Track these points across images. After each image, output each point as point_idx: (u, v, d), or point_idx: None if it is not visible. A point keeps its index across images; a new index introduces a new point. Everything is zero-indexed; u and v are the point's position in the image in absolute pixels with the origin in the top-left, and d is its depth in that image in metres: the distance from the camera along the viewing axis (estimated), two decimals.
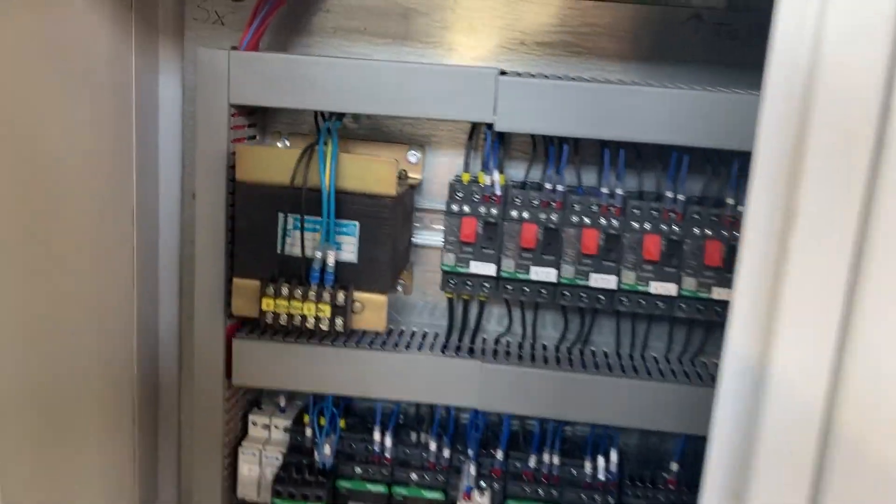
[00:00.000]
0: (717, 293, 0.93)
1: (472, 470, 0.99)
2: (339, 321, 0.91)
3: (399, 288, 1.05)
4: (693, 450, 1.02)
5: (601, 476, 1.00)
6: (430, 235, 1.06)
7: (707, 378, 0.98)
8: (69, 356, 0.87)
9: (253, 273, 0.93)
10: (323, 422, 1.02)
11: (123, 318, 1.01)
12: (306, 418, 1.04)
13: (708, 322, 1.00)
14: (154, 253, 1.08)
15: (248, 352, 0.98)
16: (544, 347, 1.04)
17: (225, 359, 0.99)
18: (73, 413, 0.88)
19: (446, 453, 1.01)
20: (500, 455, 1.00)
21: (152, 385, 1.10)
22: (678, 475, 1.01)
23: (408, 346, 1.00)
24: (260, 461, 1.04)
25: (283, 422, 1.06)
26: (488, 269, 0.95)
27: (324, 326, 0.91)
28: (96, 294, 0.93)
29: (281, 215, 0.92)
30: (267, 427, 1.07)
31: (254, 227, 0.93)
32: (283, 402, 1.08)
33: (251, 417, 1.07)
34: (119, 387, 1.01)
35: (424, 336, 1.05)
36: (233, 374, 0.99)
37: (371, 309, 0.93)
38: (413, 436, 1.04)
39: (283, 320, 0.91)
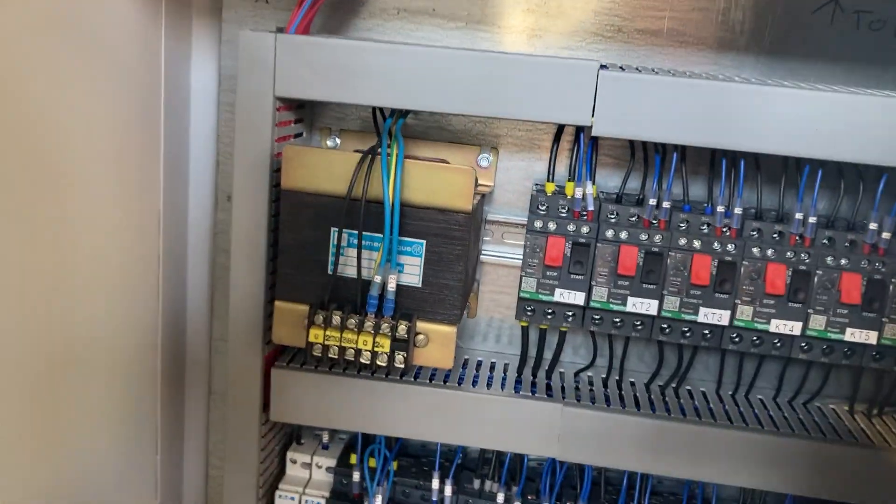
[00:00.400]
0: (852, 334, 0.78)
1: None
2: (399, 357, 0.77)
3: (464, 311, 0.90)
4: None
5: None
6: (499, 249, 0.92)
7: (827, 428, 0.83)
8: (86, 385, 0.74)
9: (299, 296, 0.79)
10: (373, 463, 0.88)
11: (147, 334, 0.87)
12: (353, 458, 0.90)
13: (830, 364, 0.85)
14: (182, 263, 0.94)
15: (290, 384, 0.85)
16: (633, 384, 0.90)
17: (262, 390, 0.86)
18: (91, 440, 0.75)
19: None
20: None
21: (177, 415, 0.97)
22: None
23: (475, 383, 0.86)
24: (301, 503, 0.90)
25: (327, 461, 0.93)
26: (576, 297, 0.80)
27: (381, 362, 0.77)
28: (116, 308, 0.80)
29: (334, 231, 0.77)
30: (308, 466, 0.93)
31: (301, 243, 0.79)
32: (326, 438, 0.95)
33: (290, 455, 0.93)
34: (141, 415, 0.89)
35: (493, 367, 0.91)
36: (271, 408, 0.86)
37: (437, 342, 0.79)
38: (476, 483, 0.90)
39: (333, 353, 0.77)
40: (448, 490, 0.88)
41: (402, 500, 0.90)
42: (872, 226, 0.77)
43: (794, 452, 0.81)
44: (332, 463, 0.92)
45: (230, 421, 0.85)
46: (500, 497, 0.88)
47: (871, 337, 0.77)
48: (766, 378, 0.91)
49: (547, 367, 0.90)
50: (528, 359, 0.89)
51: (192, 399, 0.99)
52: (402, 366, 0.77)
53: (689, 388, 0.91)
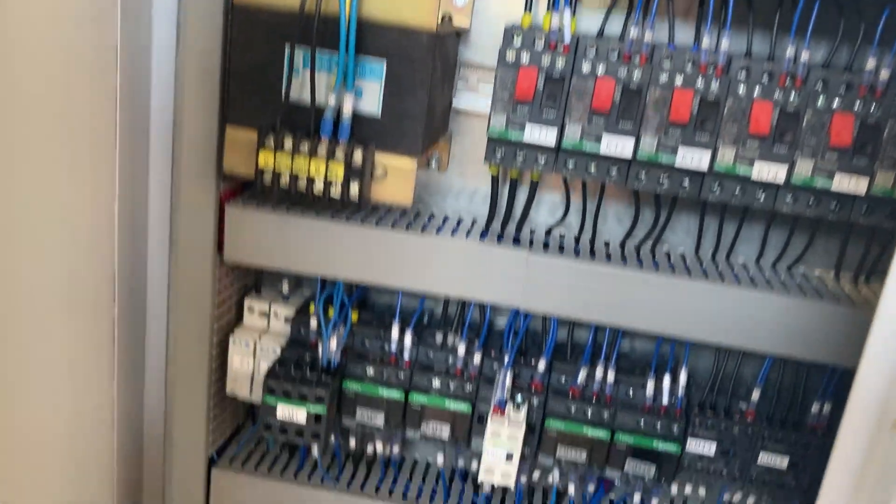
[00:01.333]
0: (840, 182, 0.72)
1: (508, 379, 0.81)
2: (354, 187, 0.72)
3: (433, 162, 0.85)
4: (779, 377, 0.83)
5: (665, 399, 0.83)
6: (474, 99, 0.86)
7: (810, 291, 0.79)
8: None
9: (251, 121, 0.74)
10: (331, 312, 0.85)
11: (103, 177, 0.83)
12: (312, 307, 0.87)
13: (816, 222, 0.80)
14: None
15: (245, 222, 0.81)
16: (607, 245, 0.85)
17: (216, 229, 0.82)
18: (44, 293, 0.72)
19: (477, 359, 0.84)
20: (542, 366, 0.83)
21: (130, 262, 0.93)
22: (758, 406, 0.83)
23: (439, 231, 0.82)
24: (254, 353, 0.87)
25: (286, 311, 0.89)
26: (548, 135, 0.75)
27: (335, 193, 0.72)
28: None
29: (287, 49, 0.72)
30: (266, 315, 0.90)
31: (254, 64, 0.73)
32: (286, 288, 0.91)
33: (247, 302, 0.90)
34: (96, 266, 0.85)
35: (460, 222, 0.86)
36: (224, 248, 0.82)
37: (395, 176, 0.74)
38: (438, 337, 0.87)
39: (284, 182, 0.73)
40: (408, 340, 0.85)
41: (360, 349, 0.86)
42: (870, 64, 0.70)
43: (774, 309, 0.77)
44: (291, 313, 0.89)
45: (182, 260, 0.81)
46: (461, 349, 0.84)
47: (860, 185, 0.72)
48: (747, 242, 0.86)
49: (517, 222, 0.85)
50: (497, 212, 0.85)
51: (149, 248, 0.95)
52: (357, 198, 0.72)
53: (666, 250, 0.86)
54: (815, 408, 0.83)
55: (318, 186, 0.72)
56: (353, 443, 0.93)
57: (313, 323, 0.86)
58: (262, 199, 0.81)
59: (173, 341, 0.84)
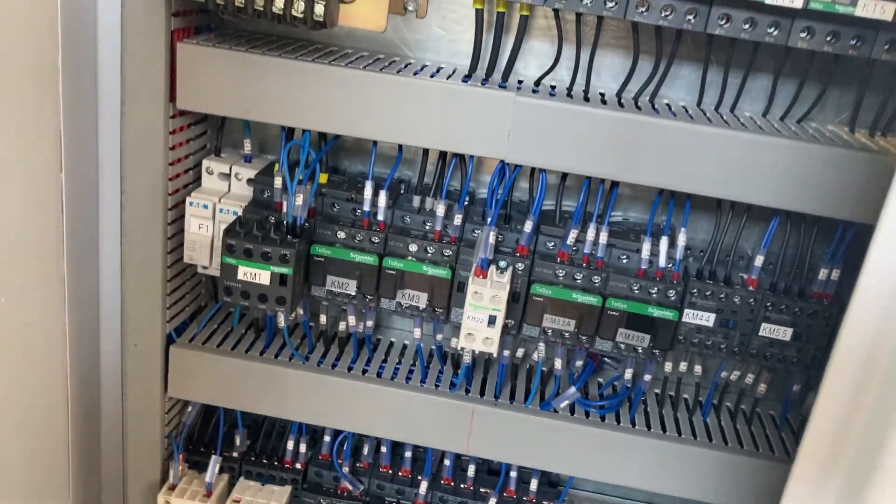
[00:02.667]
0: (865, 7, 0.65)
1: (491, 238, 0.74)
2: (318, 7, 0.64)
3: (410, 4, 0.76)
4: (784, 242, 0.77)
5: (661, 262, 0.76)
6: None
7: (823, 139, 0.72)
8: None
9: None
10: (285, 173, 0.77)
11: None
12: (277, 168, 0.79)
13: (829, 73, 0.73)
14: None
15: (200, 64, 0.72)
16: (602, 95, 0.77)
17: (168, 74, 0.73)
18: None
19: (458, 220, 0.77)
20: (528, 226, 0.76)
21: (76, 126, 0.84)
22: (761, 273, 0.77)
23: (416, 74, 0.74)
24: (214, 217, 0.79)
25: (248, 172, 0.81)
26: None
27: (297, 12, 0.64)
28: None
29: None
30: (226, 177, 0.82)
31: None
32: (248, 148, 0.83)
33: (206, 164, 0.82)
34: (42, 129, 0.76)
35: (440, 69, 0.78)
36: (177, 94, 0.74)
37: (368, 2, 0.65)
38: (416, 201, 0.79)
39: (240, 1, 0.64)
40: (382, 201, 0.77)
41: (330, 212, 0.79)
42: None
43: (784, 156, 0.70)
44: (253, 174, 0.80)
45: (129, 110, 0.73)
46: (441, 210, 0.77)
47: (888, 10, 0.64)
48: (753, 97, 0.79)
49: (503, 71, 0.77)
50: (481, 60, 0.76)
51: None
52: (322, 18, 0.64)
53: (666, 101, 0.79)
54: (822, 274, 0.76)
55: (279, 5, 0.64)
56: (323, 320, 0.86)
57: (278, 182, 0.78)
58: (219, 38, 0.72)
59: (126, 205, 0.76)
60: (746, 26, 0.67)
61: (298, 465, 0.90)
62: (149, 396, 0.84)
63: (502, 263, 0.75)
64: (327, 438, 0.90)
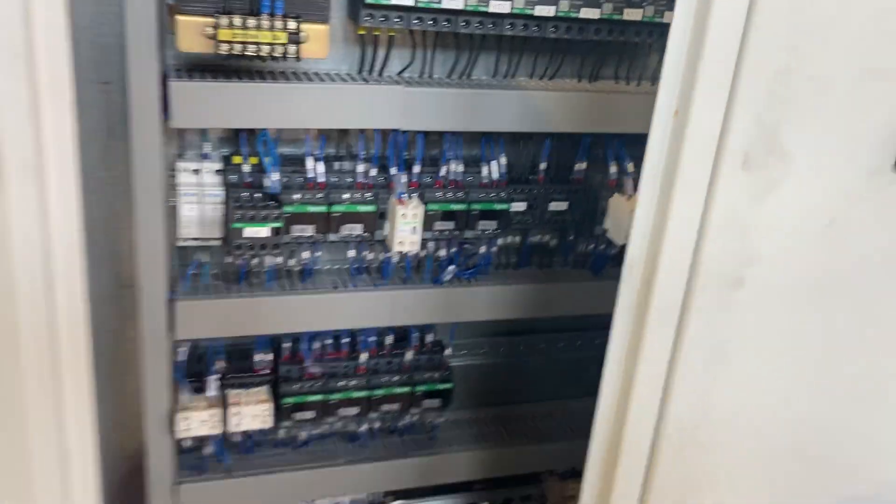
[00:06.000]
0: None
1: (404, 179, 1.16)
2: (291, 48, 0.99)
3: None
4: (556, 151, 1.29)
5: (495, 176, 1.24)
6: None
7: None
8: None
9: (197, 11, 0.97)
10: (253, 160, 1.11)
11: None
12: (236, 159, 1.12)
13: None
14: None
15: (191, 93, 1.03)
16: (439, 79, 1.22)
17: (161, 96, 1.02)
18: None
19: (373, 173, 1.17)
20: (417, 169, 1.19)
21: None
22: (546, 172, 1.29)
23: (330, 79, 1.11)
24: (200, 200, 1.11)
25: (213, 165, 1.13)
26: None
27: (278, 54, 0.99)
28: None
29: None
30: (197, 172, 1.13)
31: None
32: (207, 149, 1.14)
33: (179, 165, 1.11)
34: None
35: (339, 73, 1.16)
36: (171, 115, 1.03)
37: (316, 37, 1.02)
38: (346, 164, 1.18)
39: (237, 50, 0.97)
40: (321, 169, 1.15)
41: (287, 183, 1.14)
42: None
43: (545, 102, 1.21)
44: (219, 166, 1.12)
45: (138, 130, 1.01)
46: (361, 168, 1.16)
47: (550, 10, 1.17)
48: (523, 64, 1.29)
49: (380, 69, 1.17)
50: (364, 67, 1.16)
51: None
52: (296, 55, 1.00)
53: (475, 78, 1.26)
54: (577, 168, 1.31)
55: (266, 50, 0.98)
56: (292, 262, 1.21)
57: (246, 168, 1.11)
58: (203, 75, 1.03)
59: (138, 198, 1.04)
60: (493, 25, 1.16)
61: (267, 371, 1.26)
62: (159, 341, 1.14)
63: (407, 195, 1.18)
64: (286, 344, 1.26)
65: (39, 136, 0.68)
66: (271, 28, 0.98)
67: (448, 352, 1.35)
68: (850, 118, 0.87)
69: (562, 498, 1.52)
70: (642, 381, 0.96)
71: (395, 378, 1.30)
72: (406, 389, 1.30)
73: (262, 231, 1.09)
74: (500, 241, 1.31)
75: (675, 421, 0.99)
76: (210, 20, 0.96)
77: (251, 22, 0.97)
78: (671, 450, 1.00)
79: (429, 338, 1.34)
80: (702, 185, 0.87)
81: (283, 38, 0.98)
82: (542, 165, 1.29)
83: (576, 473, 1.24)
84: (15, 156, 0.66)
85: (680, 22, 0.81)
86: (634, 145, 1.16)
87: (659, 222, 0.89)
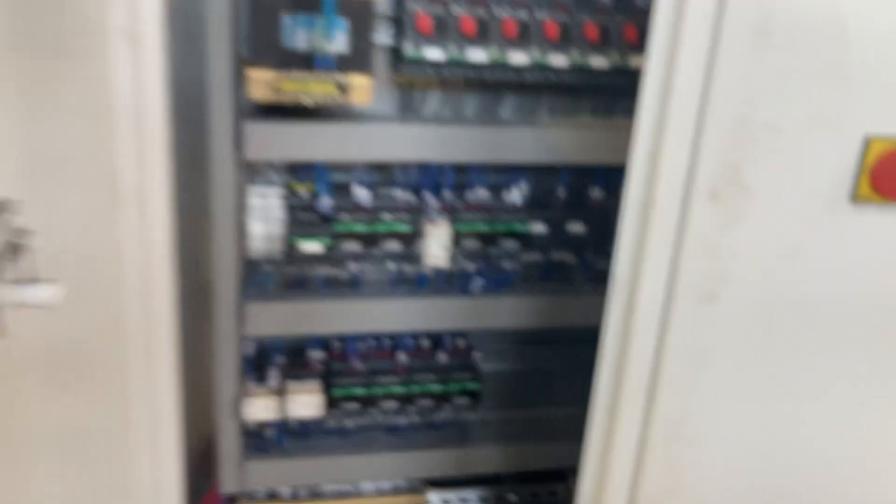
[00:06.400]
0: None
1: (435, 204, 1.36)
2: (342, 98, 1.20)
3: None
4: (574, 179, 1.46)
5: (517, 201, 1.42)
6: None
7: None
8: None
9: (266, 64, 1.19)
10: (310, 186, 1.32)
11: None
12: (296, 185, 1.34)
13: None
14: None
15: (260, 132, 1.24)
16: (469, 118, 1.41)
17: (234, 135, 1.24)
18: None
19: (410, 198, 1.37)
20: (447, 195, 1.38)
21: None
22: (565, 198, 1.47)
23: (375, 118, 1.32)
24: (266, 220, 1.32)
25: (277, 191, 1.34)
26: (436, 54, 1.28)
27: (332, 103, 1.20)
28: None
29: (285, 13, 1.17)
30: (264, 196, 1.34)
31: (267, 25, 1.17)
32: (272, 177, 1.36)
33: (249, 189, 1.34)
34: None
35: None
36: (246, 149, 1.25)
37: (360, 88, 1.23)
38: (387, 190, 1.39)
39: (297, 98, 1.19)
40: (365, 196, 1.35)
41: (337, 206, 1.35)
42: None
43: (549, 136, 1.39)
44: (283, 192, 1.34)
45: (216, 162, 1.23)
46: (399, 194, 1.37)
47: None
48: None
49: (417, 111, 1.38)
50: (405, 109, 1.37)
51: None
52: (343, 103, 1.21)
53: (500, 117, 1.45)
54: (592, 194, 1.48)
55: (320, 99, 1.20)
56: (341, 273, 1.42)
57: (304, 193, 1.33)
58: (273, 116, 1.25)
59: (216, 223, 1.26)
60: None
61: (319, 367, 1.46)
62: (230, 337, 1.35)
63: (438, 217, 1.37)
64: (336, 343, 1.47)
65: (144, 176, 0.90)
66: (324, 80, 1.19)
67: (477, 356, 1.53)
68: (804, 158, 1.02)
69: None
70: (630, 384, 1.12)
71: (430, 376, 1.49)
72: (439, 387, 1.49)
73: (316, 246, 1.30)
74: (522, 259, 1.48)
75: (660, 418, 1.15)
76: (275, 74, 1.18)
77: (308, 76, 1.18)
78: (659, 448, 1.16)
79: (460, 342, 1.52)
80: (674, 214, 1.03)
81: (333, 89, 1.19)
82: (560, 192, 1.46)
83: None
84: (128, 190, 0.89)
85: (651, 78, 0.98)
86: None
87: (640, 246, 1.05)
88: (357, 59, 1.22)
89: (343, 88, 1.20)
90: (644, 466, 1.19)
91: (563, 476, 1.72)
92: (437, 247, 1.34)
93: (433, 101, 1.42)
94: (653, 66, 0.98)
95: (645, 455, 1.17)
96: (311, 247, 1.30)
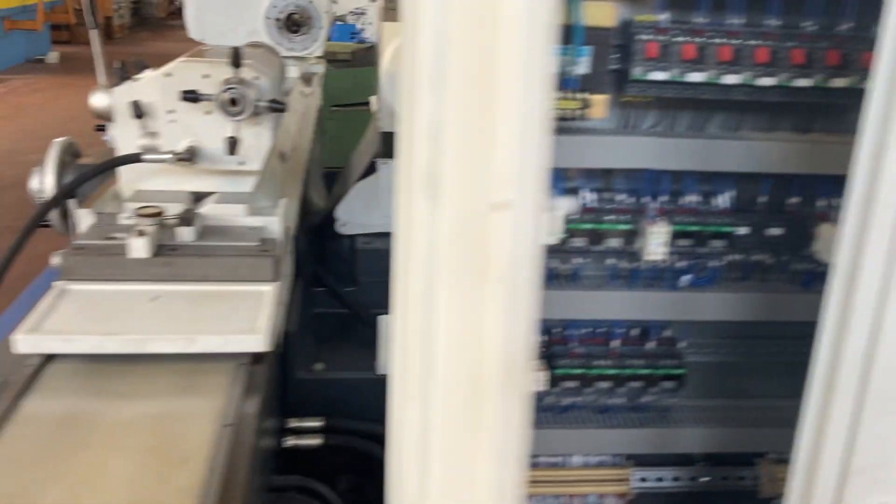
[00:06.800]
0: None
1: (654, 206, 1.56)
2: (581, 112, 1.43)
3: None
4: (775, 187, 1.62)
5: (724, 205, 1.60)
6: None
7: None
8: None
9: None
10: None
11: None
12: None
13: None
14: None
15: None
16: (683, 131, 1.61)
17: None
18: None
19: (630, 200, 1.58)
20: (664, 198, 1.58)
21: None
22: (766, 204, 1.62)
23: (600, 132, 1.53)
24: None
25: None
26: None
27: (573, 116, 1.43)
28: None
29: None
30: None
31: None
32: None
33: None
34: None
35: None
36: None
37: (598, 105, 1.45)
38: (609, 194, 1.60)
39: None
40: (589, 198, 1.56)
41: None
42: None
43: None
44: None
45: None
46: (620, 197, 1.57)
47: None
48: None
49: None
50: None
51: None
52: (583, 117, 1.43)
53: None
54: (790, 201, 1.63)
55: (567, 114, 1.42)
56: (565, 266, 1.64)
57: None
58: None
59: None
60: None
61: (543, 348, 1.67)
62: None
63: (657, 218, 1.56)
64: (556, 329, 1.68)
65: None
66: (570, 98, 1.42)
67: (683, 345, 1.70)
68: None
69: (772, 480, 1.80)
70: (846, 360, 1.26)
71: (639, 362, 1.67)
72: (647, 371, 1.67)
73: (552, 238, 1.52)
74: (727, 258, 1.65)
75: (874, 393, 1.28)
76: None
77: (558, 94, 1.41)
78: (872, 422, 1.28)
79: (666, 332, 1.70)
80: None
81: (577, 105, 1.42)
82: (762, 198, 1.62)
83: (783, 460, 1.54)
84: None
85: (877, 91, 1.14)
86: (836, 183, 1.47)
87: (859, 242, 1.21)
88: (595, 80, 1.44)
89: (586, 104, 1.42)
90: (856, 441, 1.32)
91: (751, 461, 1.85)
92: (656, 244, 1.53)
93: (649, 118, 1.62)
94: (880, 82, 1.14)
95: (858, 430, 1.31)
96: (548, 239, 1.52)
